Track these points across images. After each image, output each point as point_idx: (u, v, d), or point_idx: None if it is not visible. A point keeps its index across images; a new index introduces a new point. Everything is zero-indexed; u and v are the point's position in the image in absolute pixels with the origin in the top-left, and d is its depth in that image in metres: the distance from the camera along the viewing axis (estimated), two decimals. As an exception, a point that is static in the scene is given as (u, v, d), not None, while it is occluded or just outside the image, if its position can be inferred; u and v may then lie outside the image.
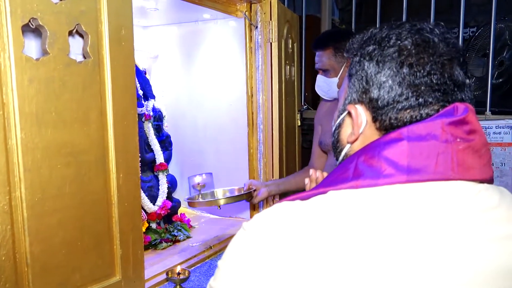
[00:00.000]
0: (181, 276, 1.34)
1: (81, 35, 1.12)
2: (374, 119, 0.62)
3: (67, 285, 1.09)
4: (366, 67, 0.63)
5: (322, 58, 1.71)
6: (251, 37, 2.04)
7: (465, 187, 0.54)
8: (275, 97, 2.03)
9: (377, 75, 0.62)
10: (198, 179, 1.78)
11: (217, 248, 1.71)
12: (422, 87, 0.58)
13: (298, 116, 2.35)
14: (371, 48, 0.64)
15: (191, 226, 1.96)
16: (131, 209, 1.23)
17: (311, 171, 1.02)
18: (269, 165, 2.09)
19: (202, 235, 1.89)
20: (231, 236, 1.80)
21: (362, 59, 0.64)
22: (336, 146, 0.70)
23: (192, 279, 1.41)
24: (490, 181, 0.58)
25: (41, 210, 1.02)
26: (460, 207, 0.52)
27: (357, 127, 0.64)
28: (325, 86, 1.74)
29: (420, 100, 0.58)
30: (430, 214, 0.52)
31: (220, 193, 1.83)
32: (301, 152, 2.42)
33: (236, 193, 1.77)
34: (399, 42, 0.61)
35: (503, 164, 2.21)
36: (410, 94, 0.59)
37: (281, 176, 2.09)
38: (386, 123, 0.60)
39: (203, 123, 2.21)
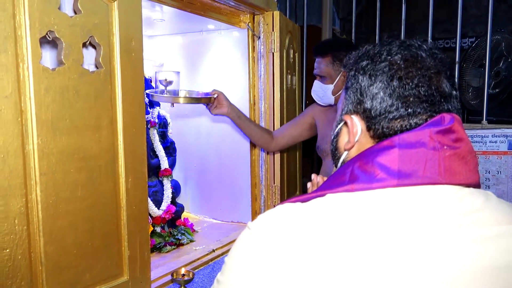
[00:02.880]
0: (186, 278, 1.39)
1: (93, 46, 1.19)
2: (368, 128, 0.68)
3: (78, 284, 1.14)
4: (360, 80, 0.69)
5: (321, 64, 1.78)
6: (254, 47, 2.11)
7: (451, 191, 0.59)
8: (277, 106, 2.09)
9: (370, 87, 0.67)
10: (165, 75, 1.78)
11: (219, 251, 1.76)
12: (411, 99, 0.64)
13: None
14: (364, 63, 0.70)
15: (194, 230, 2.01)
16: (138, 212, 1.29)
17: (313, 176, 1.07)
18: (270, 171, 2.14)
19: (205, 239, 1.94)
20: (233, 240, 1.85)
21: (356, 73, 0.70)
22: (334, 154, 0.76)
23: (196, 281, 1.45)
24: (476, 185, 0.63)
25: (55, 212, 1.07)
26: (445, 209, 0.58)
27: (352, 135, 0.70)
28: (320, 91, 1.80)
29: (409, 110, 0.64)
30: (418, 215, 0.57)
31: (182, 93, 1.84)
32: (301, 158, 2.48)
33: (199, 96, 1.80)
34: (389, 57, 0.67)
35: (499, 172, 2.26)
36: (400, 105, 0.65)
37: (282, 183, 2.14)
38: (379, 131, 0.66)
39: (206, 130, 2.26)
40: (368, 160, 0.61)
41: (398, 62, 0.66)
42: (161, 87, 1.79)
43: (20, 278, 1.01)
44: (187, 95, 1.84)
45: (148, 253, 1.33)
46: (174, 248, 1.81)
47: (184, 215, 2.14)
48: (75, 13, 1.12)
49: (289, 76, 2.23)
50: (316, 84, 1.80)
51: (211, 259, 1.69)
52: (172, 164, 2.07)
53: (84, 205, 1.14)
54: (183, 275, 1.40)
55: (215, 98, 1.78)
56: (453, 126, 0.61)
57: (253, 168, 2.15)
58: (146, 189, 1.32)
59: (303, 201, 0.62)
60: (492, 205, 0.62)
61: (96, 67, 1.18)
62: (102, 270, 1.20)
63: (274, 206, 0.65)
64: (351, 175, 0.62)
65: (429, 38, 2.55)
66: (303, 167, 2.50)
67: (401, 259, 0.54)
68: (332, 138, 0.77)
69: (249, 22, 2.07)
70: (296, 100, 2.40)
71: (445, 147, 0.59)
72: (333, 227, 0.57)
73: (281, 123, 2.11)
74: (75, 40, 1.10)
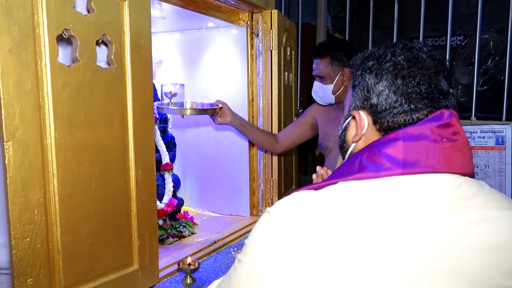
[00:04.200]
0: (192, 267, 1.45)
1: (105, 44, 1.23)
2: (374, 122, 0.75)
3: (91, 273, 1.19)
4: (367, 79, 0.76)
5: (320, 66, 1.85)
6: (252, 44, 2.16)
7: (450, 179, 0.66)
8: (275, 102, 2.15)
9: (376, 85, 0.74)
10: (170, 88, 1.87)
11: (221, 243, 1.82)
12: (413, 95, 0.71)
13: (295, 120, 2.47)
14: (371, 63, 0.76)
15: (194, 223, 2.07)
16: (147, 204, 1.34)
17: (318, 168, 1.13)
18: (268, 166, 2.20)
19: (205, 231, 1.99)
20: (234, 232, 1.91)
21: (363, 72, 0.77)
22: (342, 146, 0.83)
23: (200, 271, 1.51)
24: (471, 175, 0.70)
25: (70, 203, 1.12)
26: (444, 195, 0.64)
27: (360, 128, 0.76)
28: (320, 92, 1.87)
29: (412, 106, 0.71)
30: (421, 200, 0.63)
31: (188, 104, 1.94)
32: (297, 153, 2.54)
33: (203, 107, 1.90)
34: (393, 58, 0.74)
35: (487, 167, 2.35)
36: (403, 101, 0.71)
37: (279, 177, 2.21)
38: (385, 125, 0.73)
39: (205, 125, 2.31)
40: (376, 151, 0.68)
41: (402, 62, 0.73)
42: (166, 100, 1.87)
43: (39, 266, 1.06)
44: (193, 107, 1.93)
45: (156, 243, 1.38)
46: (176, 240, 1.86)
47: (184, 208, 2.19)
48: (89, 12, 1.16)
49: (286, 73, 2.29)
50: (316, 84, 1.87)
51: (213, 250, 1.74)
52: (172, 159, 2.11)
53: (98, 197, 1.19)
54: (189, 264, 1.45)
55: (220, 109, 1.85)
56: (451, 121, 0.68)
57: (251, 163, 2.21)
58: (154, 182, 1.37)
59: (316, 188, 0.68)
60: (485, 192, 0.69)
61: (108, 64, 1.23)
62: (113, 259, 1.25)
63: (289, 193, 0.71)
64: (360, 165, 0.68)
65: (421, 36, 2.63)
66: (299, 162, 2.57)
67: (406, 238, 0.61)
68: (340, 132, 0.83)
69: (248, 20, 2.12)
70: (292, 96, 2.46)
71: (444, 140, 0.66)
72: (345, 212, 0.63)
73: (279, 119, 2.17)
74: (89, 38, 1.14)
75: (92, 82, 1.16)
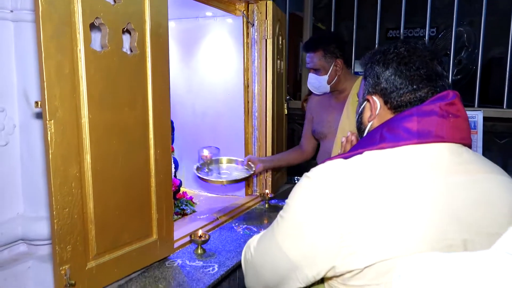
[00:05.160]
0: (202, 238, 1.57)
1: (128, 32, 1.33)
2: (385, 102, 0.90)
3: (118, 242, 1.30)
4: (376, 69, 0.91)
5: (314, 59, 1.99)
6: (247, 33, 2.28)
7: (454, 147, 0.81)
8: (269, 88, 2.28)
9: (384, 72, 0.90)
10: (206, 152, 2.08)
11: (223, 219, 1.95)
12: (415, 77, 0.87)
13: (285, 106, 2.61)
14: (378, 56, 0.92)
15: (194, 203, 2.19)
16: (164, 180, 1.45)
17: (349, 133, 1.21)
18: (263, 149, 2.34)
19: (205, 209, 2.11)
20: (234, 210, 2.04)
21: (372, 64, 0.92)
22: (360, 127, 0.97)
23: (209, 242, 1.64)
24: (469, 146, 0.86)
25: (101, 177, 1.22)
26: (451, 159, 0.80)
27: (374, 109, 0.91)
28: (316, 82, 2.02)
29: (414, 86, 0.86)
30: (433, 163, 0.79)
31: (224, 160, 2.16)
32: (286, 137, 2.70)
33: (239, 166, 2.12)
34: (396, 50, 0.90)
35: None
36: (407, 82, 0.87)
37: (272, 158, 2.35)
38: (394, 103, 0.88)
39: (202, 109, 2.42)
40: (394, 126, 0.83)
41: (403, 52, 0.89)
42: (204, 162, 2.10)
43: (77, 234, 1.16)
44: (231, 168, 2.15)
45: (172, 216, 1.50)
46: (179, 218, 1.98)
47: (182, 189, 2.30)
48: (115, 2, 1.25)
49: (278, 61, 2.42)
50: (312, 76, 2.02)
51: (217, 225, 1.87)
52: (171, 142, 2.22)
53: (123, 172, 1.30)
54: (200, 236, 1.58)
55: (254, 173, 2.08)
56: (455, 100, 0.83)
57: (246, 146, 2.34)
58: (170, 160, 1.49)
59: (345, 157, 0.83)
60: (480, 160, 0.85)
61: (131, 50, 1.33)
62: (136, 230, 1.36)
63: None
64: (381, 137, 0.83)
65: (401, 28, 2.80)
66: (288, 146, 2.72)
67: (421, 194, 0.76)
68: (357, 116, 0.98)
69: (244, 10, 2.23)
70: (283, 83, 2.60)
71: (450, 115, 0.81)
72: (370, 176, 0.78)
73: (273, 105, 2.30)
74: (116, 26, 1.24)
75: (119, 67, 1.26)
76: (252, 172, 2.04)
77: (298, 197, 0.82)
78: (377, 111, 0.91)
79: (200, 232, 1.60)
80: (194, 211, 2.07)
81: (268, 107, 2.30)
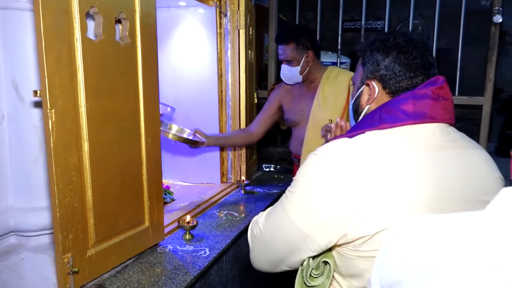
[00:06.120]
0: (191, 224, 1.62)
1: (119, 22, 1.33)
2: (384, 87, 0.99)
3: (115, 229, 1.32)
4: (376, 56, 0.99)
5: (286, 51, 2.08)
6: (221, 24, 2.31)
7: (443, 126, 0.92)
8: (243, 78, 2.34)
9: (384, 60, 0.98)
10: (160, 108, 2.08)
11: (204, 206, 2.00)
12: (412, 66, 0.96)
13: (255, 95, 2.68)
14: (377, 44, 1.00)
15: (172, 191, 2.21)
16: (155, 168, 1.48)
17: (338, 119, 1.29)
18: (237, 137, 2.40)
19: (183, 198, 2.15)
20: (212, 196, 2.09)
21: (373, 52, 1.00)
22: (357, 110, 1.06)
23: (195, 228, 1.68)
24: (453, 125, 0.97)
25: (98, 166, 1.24)
26: (441, 137, 0.90)
27: (373, 93, 1.00)
28: (289, 73, 2.11)
29: (412, 74, 0.96)
30: (426, 140, 0.89)
31: (175, 128, 2.19)
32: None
33: (188, 136, 2.14)
34: (395, 40, 0.99)
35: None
36: (405, 70, 0.96)
37: (247, 147, 2.41)
38: (392, 89, 0.97)
39: (174, 98, 2.43)
40: (392, 108, 0.92)
41: (402, 42, 0.98)
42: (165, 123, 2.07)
43: (77, 222, 1.17)
44: (182, 134, 2.15)
45: (162, 203, 1.54)
46: (160, 206, 2.00)
47: (157, 179, 2.31)
48: (107, -9, 1.25)
49: (249, 51, 2.48)
50: (284, 67, 2.10)
51: (199, 213, 1.92)
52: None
53: (118, 161, 1.32)
54: (188, 222, 1.62)
55: (202, 143, 2.11)
56: (444, 85, 0.94)
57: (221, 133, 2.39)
58: (159, 148, 1.51)
59: (350, 137, 0.91)
60: (464, 137, 0.97)
61: (122, 40, 1.34)
62: (130, 217, 1.39)
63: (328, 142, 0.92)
64: (380, 118, 0.92)
65: (363, 19, 2.95)
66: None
67: (417, 169, 0.86)
68: (354, 99, 1.07)
69: (216, 1, 2.26)
70: (253, 73, 2.66)
71: (440, 98, 0.92)
72: (373, 153, 0.87)
73: (246, 94, 2.36)
74: (110, 15, 1.25)
75: (113, 56, 1.27)
76: (202, 141, 2.11)
77: (308, 173, 0.90)
78: (375, 95, 1.00)
79: (188, 218, 1.64)
80: (173, 200, 2.10)
81: (242, 96, 2.36)
